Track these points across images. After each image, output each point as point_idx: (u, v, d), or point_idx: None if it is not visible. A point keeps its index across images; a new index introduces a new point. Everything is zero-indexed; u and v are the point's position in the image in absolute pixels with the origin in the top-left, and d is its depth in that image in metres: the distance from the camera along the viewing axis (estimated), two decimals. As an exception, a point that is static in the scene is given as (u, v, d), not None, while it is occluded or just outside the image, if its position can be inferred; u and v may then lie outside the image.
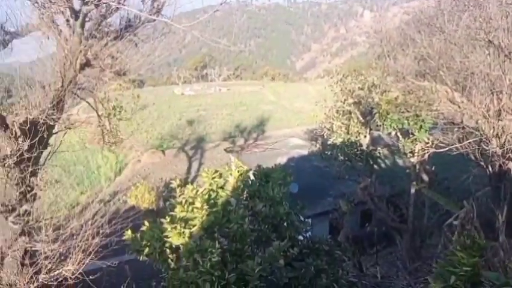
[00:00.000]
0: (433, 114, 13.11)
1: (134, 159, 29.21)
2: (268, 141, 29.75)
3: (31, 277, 7.48)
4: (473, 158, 11.98)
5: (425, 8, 13.22)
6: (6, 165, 7.32)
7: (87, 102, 10.95)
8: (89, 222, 8.45)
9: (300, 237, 7.88)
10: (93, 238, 8.19)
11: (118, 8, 7.82)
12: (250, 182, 7.85)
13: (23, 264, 7.68)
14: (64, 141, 9.17)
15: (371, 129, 19.38)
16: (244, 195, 7.69)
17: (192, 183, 7.87)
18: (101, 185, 26.02)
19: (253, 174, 8.23)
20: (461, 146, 11.02)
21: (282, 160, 23.06)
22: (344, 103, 19.53)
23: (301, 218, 8.06)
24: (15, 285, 7.36)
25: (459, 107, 11.21)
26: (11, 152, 7.36)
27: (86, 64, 8.40)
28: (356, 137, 18.57)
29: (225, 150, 29.32)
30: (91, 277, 8.11)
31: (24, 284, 7.39)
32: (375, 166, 19.95)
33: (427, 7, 13.14)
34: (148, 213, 19.40)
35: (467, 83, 10.70)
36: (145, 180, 25.29)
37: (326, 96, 20.99)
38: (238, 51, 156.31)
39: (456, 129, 11.47)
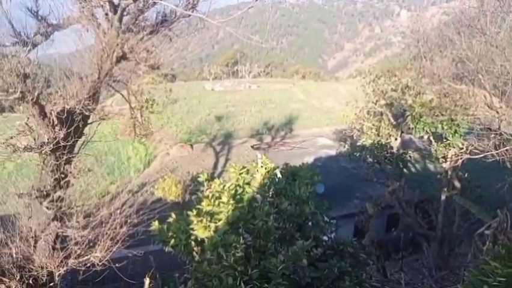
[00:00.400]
0: (469, 119, 12.66)
1: (163, 152, 29.75)
2: (295, 140, 29.61)
3: (61, 261, 7.78)
4: (509, 166, 11.50)
5: (466, 8, 12.72)
6: (43, 152, 7.62)
7: (121, 94, 11.23)
8: (118, 212, 8.70)
9: (325, 238, 7.80)
10: (121, 227, 8.43)
11: (154, 3, 7.98)
12: (276, 179, 7.83)
13: (54, 248, 7.99)
14: (97, 131, 9.45)
15: (402, 132, 18.94)
16: (270, 193, 7.68)
17: (218, 179, 7.94)
18: (130, 176, 26.67)
19: (280, 172, 8.21)
20: (497, 153, 10.57)
21: (309, 160, 22.89)
22: (375, 104, 19.19)
23: (327, 219, 7.97)
24: (46, 268, 7.67)
25: (497, 112, 10.77)
26: (48, 139, 7.65)
27: (122, 57, 8.62)
28: (387, 139, 18.20)
29: (252, 147, 29.41)
30: (117, 265, 8.36)
31: (54, 267, 7.70)
32: (405, 170, 19.46)
33: (468, 8, 12.65)
34: (174, 206, 19.72)
35: (507, 87, 10.25)
36: (172, 173, 25.71)
37: (357, 97, 20.69)
38: (269, 49, 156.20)
39: (493, 135, 11.02)
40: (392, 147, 17.78)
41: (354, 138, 20.53)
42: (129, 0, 7.75)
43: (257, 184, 7.58)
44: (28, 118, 7.91)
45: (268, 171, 7.60)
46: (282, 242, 7.13)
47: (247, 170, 7.58)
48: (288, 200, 7.39)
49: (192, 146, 30.61)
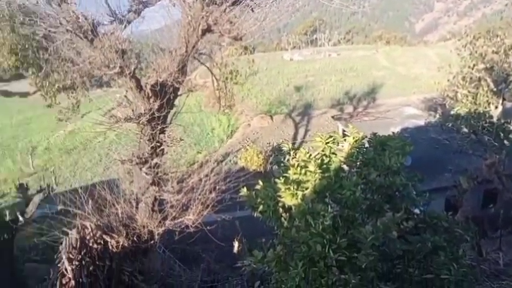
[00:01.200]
0: None
1: (244, 123, 30.54)
2: (379, 110, 28.32)
3: (159, 221, 8.53)
4: None
5: None
6: (140, 122, 8.27)
7: (206, 66, 11.60)
8: (207, 179, 9.19)
9: (416, 211, 7.43)
10: (210, 193, 8.92)
11: (237, -27, 7.97)
12: (364, 149, 7.57)
13: (153, 210, 8.76)
14: (184, 103, 9.95)
15: (504, 100, 17.18)
16: (358, 163, 7.47)
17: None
18: (214, 146, 27.94)
19: (368, 141, 7.91)
20: None
21: (395, 130, 21.74)
22: (472, 69, 17.58)
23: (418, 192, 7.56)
24: (147, 227, 8.47)
25: None
26: (144, 110, 8.26)
27: (207, 30, 8.83)
28: (485, 108, 16.66)
29: (332, 117, 28.80)
30: (208, 228, 8.92)
31: (154, 227, 8.47)
32: (506, 142, 17.66)
33: None
34: (257, 175, 20.28)
35: None
36: (254, 143, 26.36)
37: (451, 61, 19.10)
38: (350, 14, 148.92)
39: None
40: (491, 117, 16.21)
41: (447, 107, 19.16)
42: (213, -28, 7.82)
43: (344, 154, 7.41)
44: (127, 91, 8.58)
45: (356, 141, 7.37)
46: (369, 213, 6.95)
47: (334, 139, 7.43)
48: (377, 171, 7.12)
49: (271, 117, 30.94)
